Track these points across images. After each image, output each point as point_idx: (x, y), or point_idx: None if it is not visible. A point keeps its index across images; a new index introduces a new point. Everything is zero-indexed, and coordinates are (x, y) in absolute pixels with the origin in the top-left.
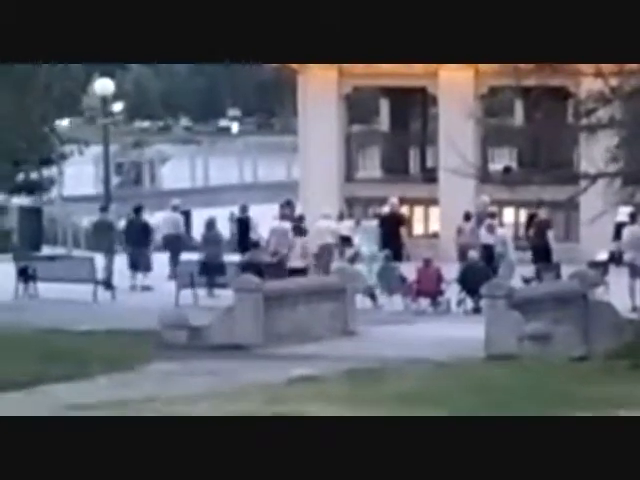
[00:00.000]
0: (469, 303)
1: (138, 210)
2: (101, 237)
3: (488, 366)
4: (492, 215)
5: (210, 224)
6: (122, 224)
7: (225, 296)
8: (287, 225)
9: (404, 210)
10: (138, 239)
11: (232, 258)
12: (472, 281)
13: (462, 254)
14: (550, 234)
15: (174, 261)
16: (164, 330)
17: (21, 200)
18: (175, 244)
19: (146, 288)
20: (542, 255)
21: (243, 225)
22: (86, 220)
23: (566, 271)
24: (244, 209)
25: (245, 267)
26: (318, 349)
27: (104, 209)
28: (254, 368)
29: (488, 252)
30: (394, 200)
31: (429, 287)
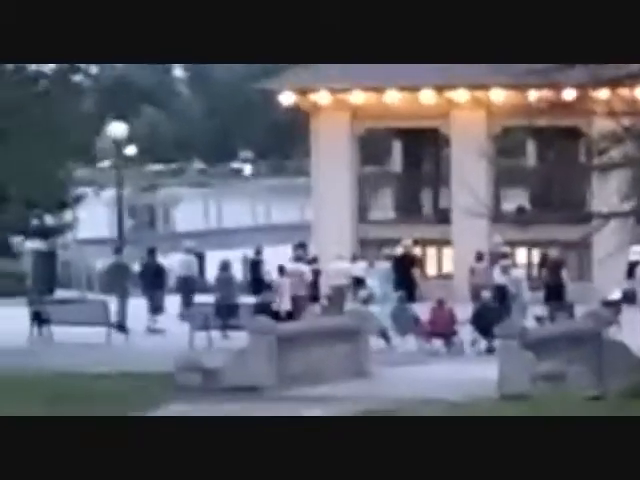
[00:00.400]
0: (483, 343)
1: (152, 252)
2: (115, 280)
3: (502, 406)
4: (505, 255)
5: (224, 266)
6: (136, 267)
7: (239, 338)
8: (303, 267)
9: (417, 251)
10: (153, 281)
11: (245, 300)
12: (485, 321)
13: (475, 294)
14: (564, 273)
15: (186, 303)
16: (178, 372)
17: (35, 244)
18: (188, 286)
19: (157, 331)
20: (555, 294)
21: (257, 267)
22: (100, 263)
23: (579, 310)
24: (258, 251)
25: (259, 309)
26: (332, 391)
27: (118, 251)
28: (268, 410)
29: (501, 292)
30: (407, 241)
31: (442, 328)
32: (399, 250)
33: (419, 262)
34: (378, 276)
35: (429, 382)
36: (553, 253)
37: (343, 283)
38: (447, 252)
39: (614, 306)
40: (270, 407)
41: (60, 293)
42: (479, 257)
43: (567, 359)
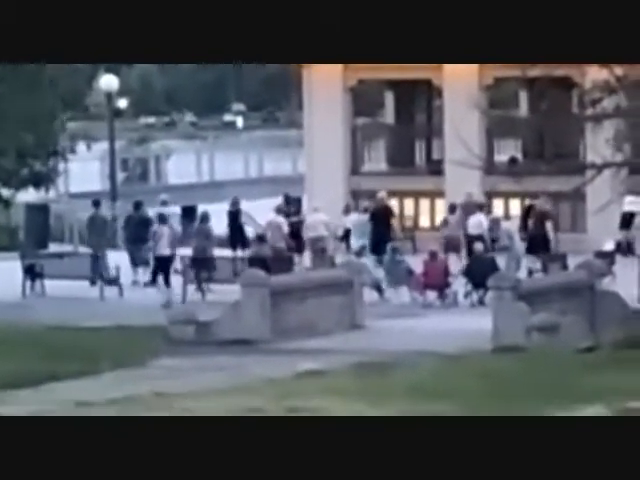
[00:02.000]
0: (476, 295)
1: (138, 206)
2: (93, 232)
3: (496, 358)
4: (480, 207)
5: (203, 218)
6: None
7: (219, 290)
8: (280, 219)
9: (409, 203)
10: (137, 235)
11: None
12: (478, 273)
13: (447, 246)
14: (549, 225)
15: None
16: (172, 326)
17: (27, 196)
18: None
19: (148, 283)
20: (541, 246)
21: (234, 219)
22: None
23: (573, 262)
24: (235, 203)
25: (251, 262)
26: (326, 343)
27: (97, 204)
28: (262, 363)
29: (473, 242)
30: (382, 194)
31: (436, 280)
32: (374, 203)
33: (395, 214)
34: (354, 228)
35: (423, 334)
36: (541, 204)
37: (321, 234)
38: (440, 204)
39: (608, 257)
40: (264, 360)
41: (53, 247)
42: (451, 209)
43: (561, 310)
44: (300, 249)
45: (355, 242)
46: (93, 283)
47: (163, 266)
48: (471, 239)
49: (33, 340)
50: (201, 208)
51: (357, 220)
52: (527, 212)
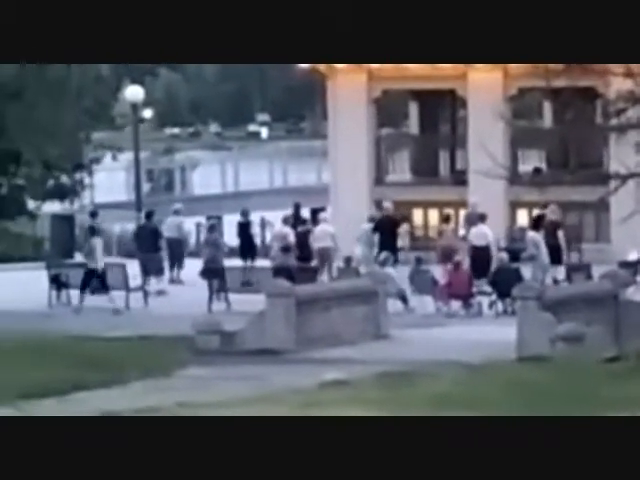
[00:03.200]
0: (500, 305)
1: (149, 215)
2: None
3: (520, 368)
4: (482, 217)
5: (211, 228)
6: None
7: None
8: (286, 229)
9: (434, 213)
10: (149, 244)
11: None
12: (503, 283)
13: (443, 256)
14: (560, 234)
15: (175, 264)
16: (197, 336)
17: (53, 207)
18: (176, 248)
19: (160, 292)
20: (553, 256)
21: (244, 229)
22: (118, 227)
23: (597, 272)
24: (245, 213)
25: (276, 272)
26: (350, 353)
27: (94, 214)
28: (286, 372)
29: (477, 253)
30: (387, 204)
31: (460, 290)
32: (380, 213)
33: (400, 224)
34: (359, 237)
35: (447, 344)
36: (551, 214)
37: (328, 245)
38: (464, 214)
39: (632, 267)
40: (288, 369)
41: (79, 257)
42: (446, 219)
43: (585, 320)
44: (308, 259)
45: (360, 251)
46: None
47: (96, 278)
48: (476, 250)
49: (58, 350)
50: (227, 219)
51: (362, 230)
52: (536, 222)
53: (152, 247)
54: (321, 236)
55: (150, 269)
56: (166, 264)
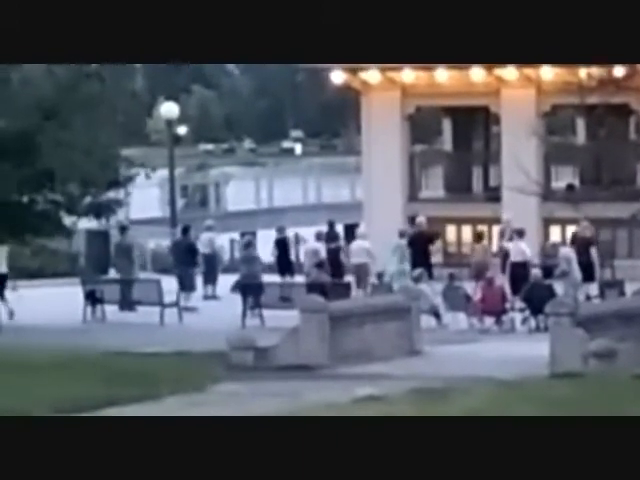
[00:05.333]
0: (534, 321)
1: (185, 231)
2: (121, 259)
3: (553, 384)
4: (520, 233)
5: (247, 244)
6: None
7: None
8: (317, 245)
9: (467, 229)
10: (185, 259)
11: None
12: (536, 299)
13: (477, 272)
14: (593, 251)
15: (208, 280)
16: (231, 351)
17: (88, 223)
18: (210, 263)
19: (190, 309)
20: (586, 273)
21: (282, 246)
22: (152, 243)
23: (630, 288)
24: (281, 230)
25: (310, 287)
26: (384, 369)
27: (124, 229)
28: (320, 388)
29: (515, 269)
30: (421, 219)
31: (493, 306)
32: (414, 228)
33: (435, 240)
34: (391, 253)
35: (480, 360)
36: (584, 231)
37: (365, 261)
38: (498, 230)
39: None
40: (322, 386)
41: (113, 273)
42: (478, 237)
43: (618, 336)
44: (340, 275)
45: (392, 267)
46: (122, 308)
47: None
48: (514, 266)
49: (92, 365)
50: (261, 234)
51: (394, 245)
52: (573, 240)
53: (188, 263)
54: (358, 252)
55: (186, 284)
56: (200, 280)
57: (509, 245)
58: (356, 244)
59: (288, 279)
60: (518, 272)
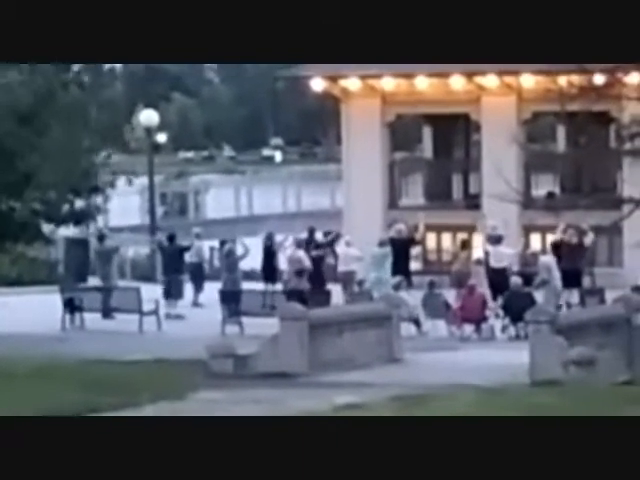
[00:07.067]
0: (513, 329)
1: (171, 238)
2: (102, 265)
3: (533, 392)
4: (498, 239)
5: (228, 253)
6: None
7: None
8: (300, 253)
9: (447, 237)
10: (171, 267)
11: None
12: (516, 307)
13: (456, 282)
14: (580, 257)
15: (196, 289)
16: (211, 359)
17: (67, 231)
18: (197, 272)
19: (178, 316)
20: (572, 281)
21: (269, 253)
22: (131, 250)
23: (610, 296)
24: (270, 237)
25: (289, 295)
26: (364, 376)
27: (102, 238)
28: (300, 396)
29: (494, 275)
30: (400, 226)
31: (473, 313)
32: (391, 233)
33: (413, 245)
34: (370, 260)
35: (460, 368)
36: (570, 237)
37: (352, 269)
38: (477, 238)
39: None
40: (302, 393)
41: (92, 281)
42: (463, 245)
43: (598, 344)
44: (322, 283)
45: (369, 275)
46: (106, 316)
47: None
48: (495, 272)
49: (71, 373)
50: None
51: (374, 252)
52: (557, 248)
53: (175, 270)
54: (345, 259)
55: (172, 292)
56: (189, 288)
57: (490, 251)
58: (343, 252)
59: (270, 287)
60: (497, 277)
